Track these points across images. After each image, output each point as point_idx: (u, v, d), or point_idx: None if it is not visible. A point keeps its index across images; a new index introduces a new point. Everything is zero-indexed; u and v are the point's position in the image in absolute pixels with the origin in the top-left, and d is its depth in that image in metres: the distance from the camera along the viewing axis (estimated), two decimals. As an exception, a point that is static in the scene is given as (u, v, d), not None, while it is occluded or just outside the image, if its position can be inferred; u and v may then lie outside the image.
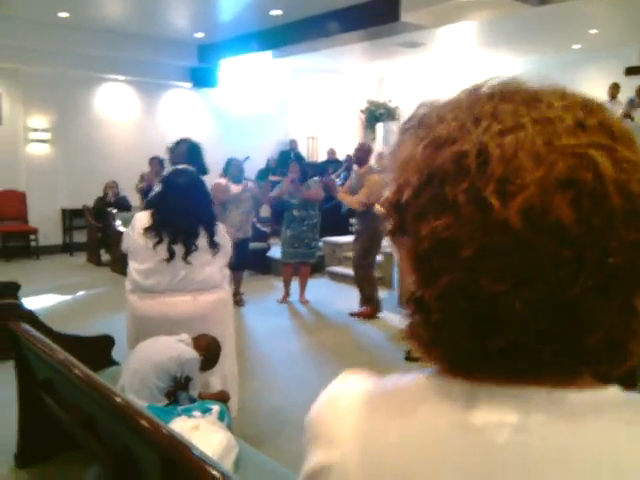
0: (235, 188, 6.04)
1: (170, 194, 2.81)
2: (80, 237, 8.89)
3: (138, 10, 7.55)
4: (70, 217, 8.94)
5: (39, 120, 8.86)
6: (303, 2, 7.08)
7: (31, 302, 5.25)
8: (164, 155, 7.71)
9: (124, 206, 8.07)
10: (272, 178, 10.39)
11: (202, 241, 2.80)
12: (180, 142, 4.36)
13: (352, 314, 5.88)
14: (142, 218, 2.81)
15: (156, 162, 7.62)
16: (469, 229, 0.46)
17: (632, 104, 8.26)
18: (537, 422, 0.47)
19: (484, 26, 8.13)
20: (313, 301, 6.53)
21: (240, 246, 6.06)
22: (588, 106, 0.50)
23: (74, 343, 3.01)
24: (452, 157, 0.48)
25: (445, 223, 0.47)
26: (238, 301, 6.33)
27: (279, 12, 7.52)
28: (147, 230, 2.73)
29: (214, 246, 2.82)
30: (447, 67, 11.29)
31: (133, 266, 2.77)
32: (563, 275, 0.45)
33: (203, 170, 4.15)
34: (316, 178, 6.50)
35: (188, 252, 2.74)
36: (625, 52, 9.11)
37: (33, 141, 8.82)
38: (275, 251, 7.66)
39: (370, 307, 5.80)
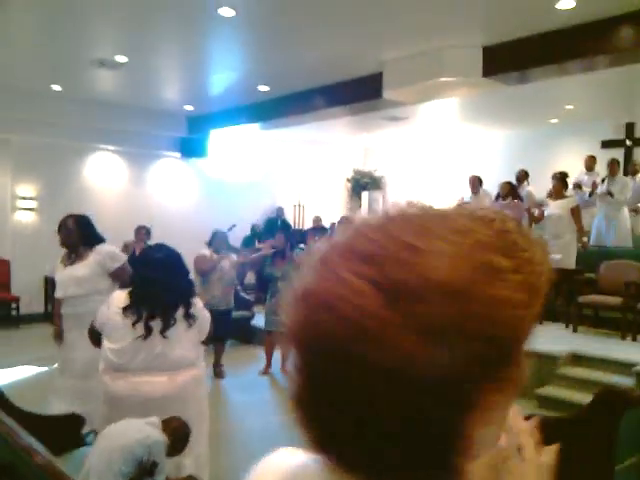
0: (218, 259, 6.07)
1: (147, 269, 2.83)
2: (62, 305, 8.80)
3: (130, 83, 7.79)
4: (53, 285, 8.85)
5: (27, 189, 8.95)
6: (288, 79, 7.34)
7: (7, 374, 5.14)
8: (149, 224, 7.83)
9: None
10: (258, 245, 10.49)
11: (179, 315, 2.80)
12: (66, 218, 4.11)
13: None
14: (119, 296, 2.81)
15: (143, 231, 7.69)
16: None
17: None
18: None
19: (465, 101, 8.44)
20: (296, 372, 6.44)
21: (222, 317, 6.04)
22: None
23: (43, 422, 2.94)
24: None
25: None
26: (218, 373, 6.23)
27: (266, 88, 7.78)
28: (126, 309, 2.72)
29: (190, 318, 2.81)
30: (430, 139, 11.64)
31: (107, 345, 2.75)
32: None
33: (98, 239, 4.01)
34: (302, 246, 6.56)
35: (166, 327, 2.73)
36: (600, 126, 9.47)
37: (20, 209, 8.89)
38: (259, 319, 7.62)
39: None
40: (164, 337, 2.70)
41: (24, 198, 8.89)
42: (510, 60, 5.42)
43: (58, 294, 3.97)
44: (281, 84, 7.60)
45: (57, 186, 9.19)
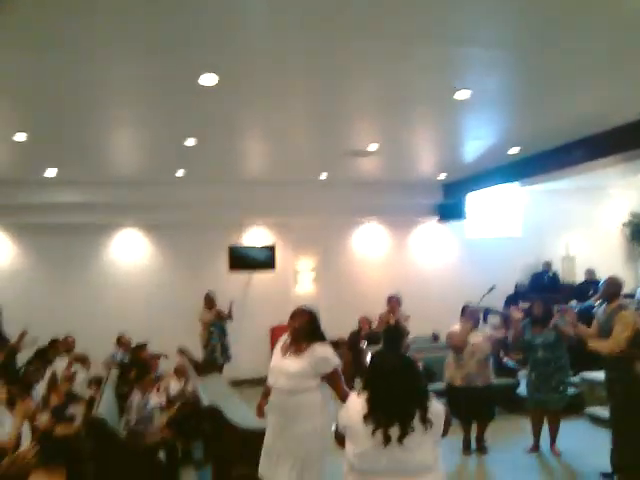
0: (472, 337, 6.04)
1: (382, 380, 2.99)
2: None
3: (386, 164, 8.45)
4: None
5: (305, 263, 10.22)
6: (539, 139, 7.16)
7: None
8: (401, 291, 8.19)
9: (374, 341, 8.60)
10: (522, 305, 10.05)
11: (416, 421, 2.89)
12: (302, 310, 4.02)
13: (604, 475, 5.23)
14: (356, 401, 3.03)
15: (394, 300, 8.08)
16: None
17: None
18: None
19: None
20: (566, 452, 6.00)
21: (480, 395, 5.97)
22: None
23: None
24: None
25: None
26: (481, 448, 6.15)
27: (517, 150, 7.67)
28: (365, 417, 2.93)
29: (427, 422, 2.89)
30: None
31: (349, 448, 2.99)
32: None
33: (320, 337, 3.93)
34: (562, 322, 6.13)
35: (404, 435, 2.85)
36: None
37: (300, 281, 10.16)
38: (524, 387, 7.28)
39: (622, 475, 5.03)
40: (402, 445, 2.83)
41: (303, 271, 10.17)
42: None
43: (269, 381, 4.04)
44: (532, 144, 7.44)
45: (330, 258, 10.35)
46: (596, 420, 6.92)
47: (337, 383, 3.94)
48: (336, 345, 9.46)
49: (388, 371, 2.97)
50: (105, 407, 5.25)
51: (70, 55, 3.99)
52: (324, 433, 3.88)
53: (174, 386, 6.37)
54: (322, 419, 3.95)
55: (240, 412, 5.72)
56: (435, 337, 9.74)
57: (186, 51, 4.00)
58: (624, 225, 11.84)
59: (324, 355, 3.89)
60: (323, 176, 8.86)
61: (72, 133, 6.12)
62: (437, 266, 10.91)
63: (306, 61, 4.35)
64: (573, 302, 10.03)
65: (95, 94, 4.87)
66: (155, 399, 5.97)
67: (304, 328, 3.94)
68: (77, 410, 5.93)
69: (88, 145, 6.68)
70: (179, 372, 6.51)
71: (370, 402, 2.92)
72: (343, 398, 3.80)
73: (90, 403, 5.92)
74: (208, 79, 4.46)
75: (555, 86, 5.12)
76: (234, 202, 9.45)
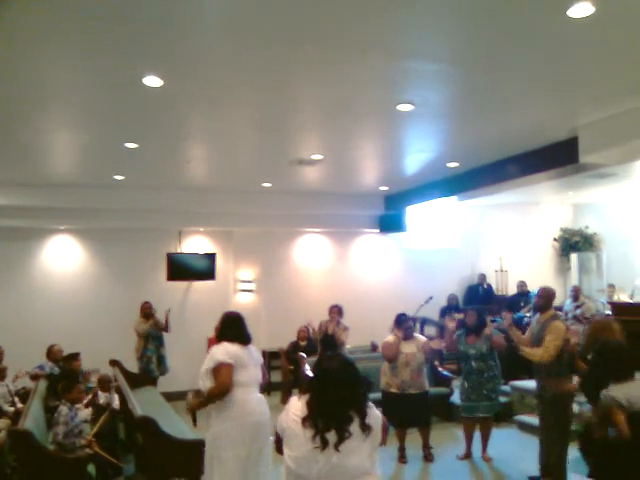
0: (406, 347, 6.15)
1: (324, 382, 3.01)
2: (277, 377, 9.61)
3: (329, 174, 8.49)
4: (269, 358, 9.76)
5: (246, 272, 10.14)
6: (477, 154, 7.36)
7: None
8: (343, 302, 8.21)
9: (314, 351, 8.62)
10: (457, 316, 10.30)
11: (354, 426, 2.90)
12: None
13: (532, 479, 5.41)
14: (296, 404, 3.02)
15: (335, 310, 8.14)
16: None
17: None
18: None
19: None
20: (497, 458, 6.18)
21: (415, 402, 6.08)
22: None
23: None
24: None
25: None
26: (427, 455, 6.25)
27: (455, 164, 7.88)
28: (304, 420, 2.92)
29: (366, 429, 2.90)
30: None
31: (287, 452, 2.97)
32: None
33: (225, 337, 4.15)
34: (496, 331, 6.36)
35: (341, 440, 2.85)
36: None
37: (241, 291, 10.07)
38: (458, 396, 7.45)
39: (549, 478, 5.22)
40: (338, 451, 2.83)
41: (244, 281, 10.08)
42: None
43: None
44: (470, 159, 7.65)
45: (272, 268, 10.30)
46: (525, 427, 7.17)
47: (215, 378, 4.02)
48: (276, 356, 9.52)
49: (333, 372, 2.97)
50: (32, 420, 5.02)
51: (4, 51, 3.83)
52: (221, 440, 4.03)
53: (101, 398, 6.21)
54: (217, 427, 4.06)
55: (175, 424, 5.60)
56: (374, 347, 9.84)
57: (129, 53, 3.90)
58: (555, 240, 12.35)
59: (211, 352, 4.11)
60: (266, 185, 8.84)
61: (5, 132, 5.87)
62: (377, 277, 11.03)
63: (252, 71, 4.34)
64: (496, 331, 10.36)
65: (31, 92, 4.68)
66: (85, 412, 5.77)
67: (217, 327, 4.28)
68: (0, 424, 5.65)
69: (22, 146, 6.41)
70: (102, 383, 6.37)
71: (310, 404, 2.91)
72: (212, 391, 4.00)
73: (16, 417, 5.64)
74: (152, 82, 4.37)
75: (491, 102, 5.29)
76: (174, 209, 9.28)
